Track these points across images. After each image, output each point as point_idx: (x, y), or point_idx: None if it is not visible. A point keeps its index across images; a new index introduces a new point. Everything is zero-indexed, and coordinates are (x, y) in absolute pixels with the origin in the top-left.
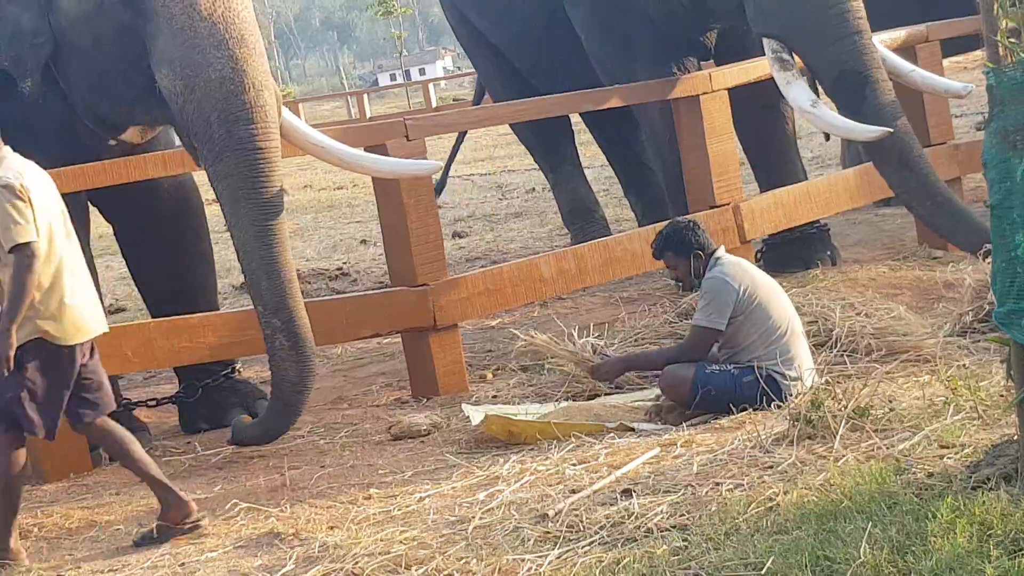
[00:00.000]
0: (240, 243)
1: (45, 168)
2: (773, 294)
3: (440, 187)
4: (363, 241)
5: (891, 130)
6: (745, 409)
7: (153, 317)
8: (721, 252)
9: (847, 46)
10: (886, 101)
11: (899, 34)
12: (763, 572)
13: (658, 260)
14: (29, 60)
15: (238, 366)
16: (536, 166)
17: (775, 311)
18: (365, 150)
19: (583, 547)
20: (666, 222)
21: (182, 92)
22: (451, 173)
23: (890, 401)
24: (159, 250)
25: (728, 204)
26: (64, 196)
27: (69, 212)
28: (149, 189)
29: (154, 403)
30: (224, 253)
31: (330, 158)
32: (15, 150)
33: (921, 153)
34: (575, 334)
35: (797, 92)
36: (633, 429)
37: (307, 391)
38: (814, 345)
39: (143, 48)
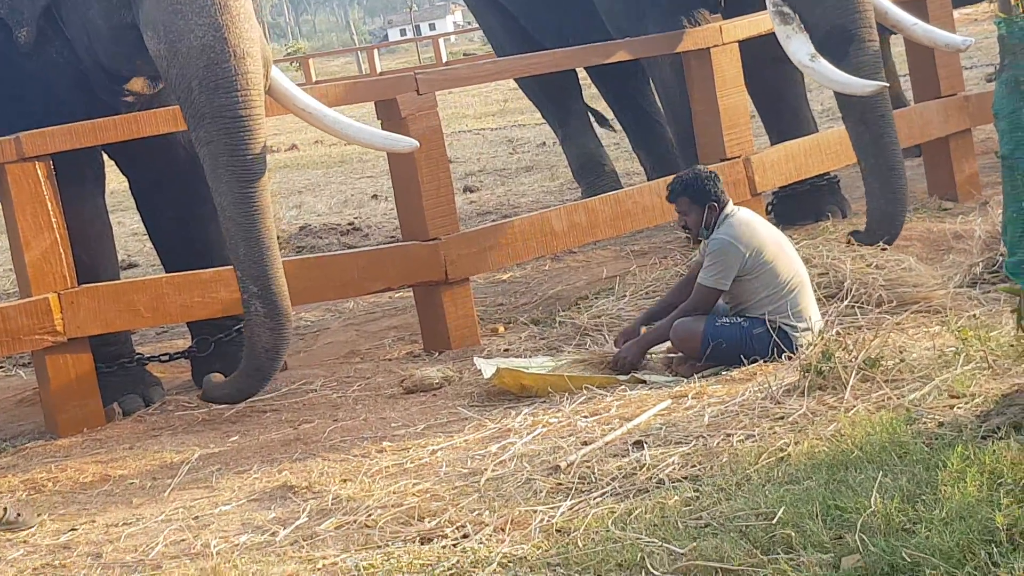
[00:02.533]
0: (220, 208)
1: (61, 122)
2: (781, 251)
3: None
4: (374, 196)
5: (887, 84)
6: (756, 361)
7: (167, 272)
8: (731, 208)
9: (842, 3)
10: (866, 61)
11: None
12: (774, 522)
13: (671, 202)
14: (25, 9)
15: None
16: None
17: (783, 268)
18: (376, 104)
19: (595, 498)
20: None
21: (165, 56)
22: (463, 128)
23: (901, 352)
24: (173, 204)
25: (739, 157)
26: (79, 150)
27: (84, 165)
28: (164, 143)
29: (167, 358)
30: None
31: (314, 121)
32: (33, 105)
33: (884, 115)
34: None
35: (797, 46)
36: (645, 381)
37: (279, 357)
38: (824, 296)
39: (132, 6)
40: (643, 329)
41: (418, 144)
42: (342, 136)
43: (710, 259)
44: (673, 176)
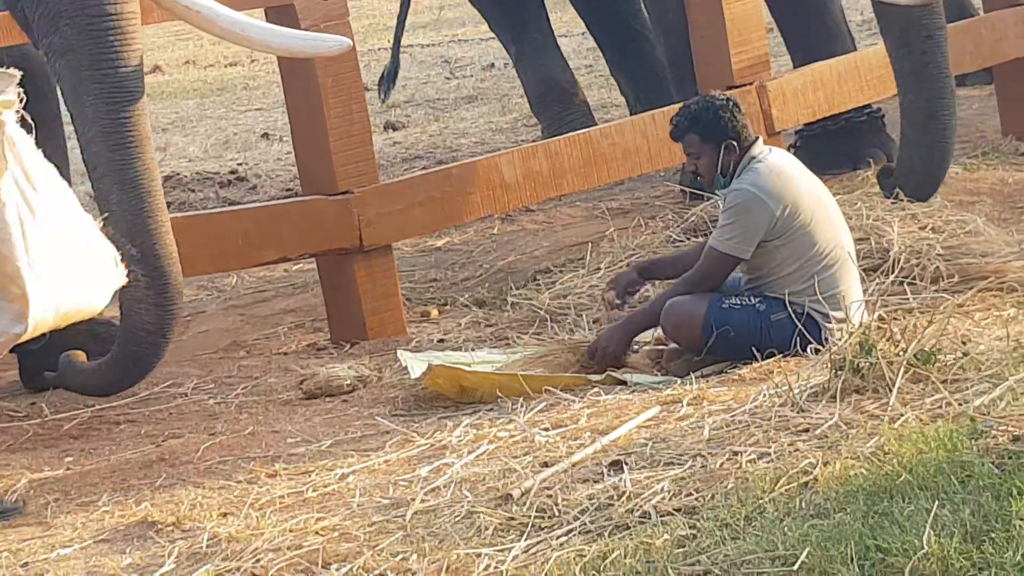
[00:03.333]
0: (85, 142)
1: None
2: (822, 211)
3: (392, 75)
4: (265, 135)
5: None
6: (773, 355)
7: None
8: (760, 149)
9: None
10: None
11: None
12: (795, 568)
13: (676, 141)
14: None
15: None
16: (495, 35)
17: (822, 234)
18: (265, 12)
19: (558, 537)
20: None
21: None
22: (383, 44)
23: (964, 343)
24: None
25: (751, 83)
26: None
27: None
28: None
29: None
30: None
31: (207, 25)
32: None
33: (933, 35)
34: None
35: None
36: (625, 382)
37: (165, 342)
38: (865, 270)
39: None
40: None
41: (350, 44)
42: (242, 41)
43: (727, 216)
44: (680, 106)
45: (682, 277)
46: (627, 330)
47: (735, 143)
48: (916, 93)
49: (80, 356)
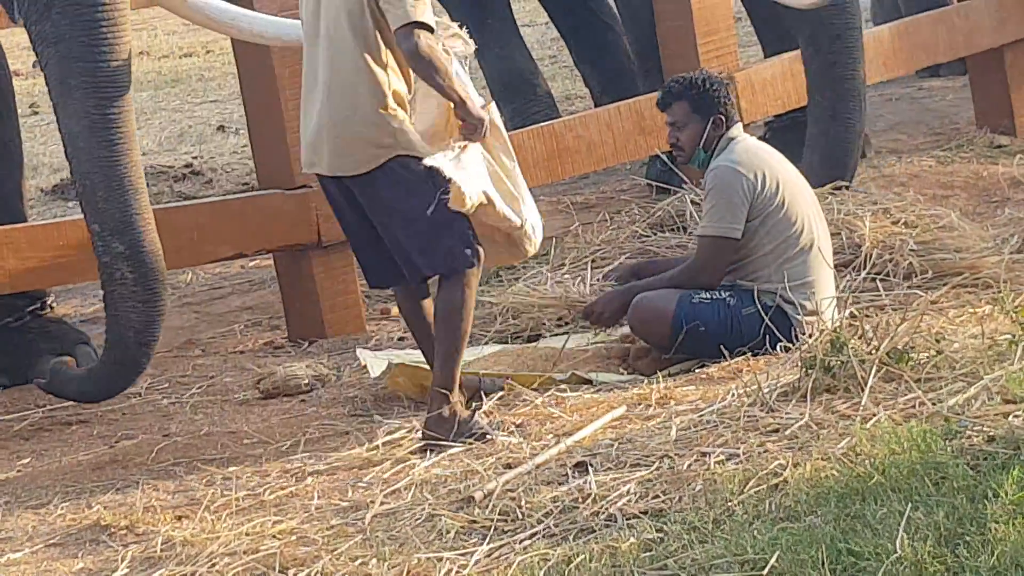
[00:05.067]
0: (70, 136)
1: None
2: (799, 195)
3: None
4: (220, 128)
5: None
6: (742, 353)
7: None
8: (739, 132)
9: None
10: None
11: None
12: (765, 572)
13: (662, 109)
14: None
15: (50, 300)
16: None
17: (800, 218)
18: None
19: (522, 541)
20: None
21: None
22: None
23: (938, 341)
24: None
25: (720, 74)
26: None
27: None
28: None
29: None
30: (31, 146)
31: (182, 9)
32: None
33: (842, 35)
34: None
35: None
36: (590, 381)
37: (154, 339)
38: (836, 265)
39: None
40: None
41: None
42: (218, 27)
43: (710, 199)
44: (671, 77)
45: (679, 268)
46: (627, 299)
47: (723, 119)
48: (821, 94)
49: (70, 363)
